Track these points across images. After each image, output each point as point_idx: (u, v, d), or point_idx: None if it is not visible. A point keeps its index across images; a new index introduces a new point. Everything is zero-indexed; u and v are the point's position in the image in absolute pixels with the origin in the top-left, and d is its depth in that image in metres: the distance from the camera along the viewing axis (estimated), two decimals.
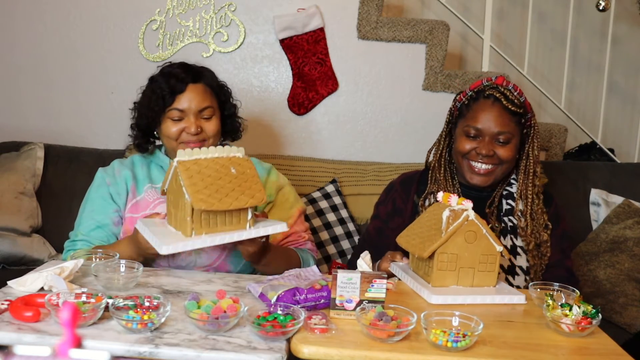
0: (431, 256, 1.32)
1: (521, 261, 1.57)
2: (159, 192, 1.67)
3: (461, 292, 1.32)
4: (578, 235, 2.19)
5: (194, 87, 1.64)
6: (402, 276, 1.42)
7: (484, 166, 1.56)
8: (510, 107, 1.53)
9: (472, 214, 1.31)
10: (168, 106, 1.62)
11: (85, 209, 1.68)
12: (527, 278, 1.57)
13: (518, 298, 1.32)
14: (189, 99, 1.63)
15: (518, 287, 1.56)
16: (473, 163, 1.57)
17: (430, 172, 1.67)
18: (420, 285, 1.34)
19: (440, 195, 1.38)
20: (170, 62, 1.73)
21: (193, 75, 1.66)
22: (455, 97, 1.66)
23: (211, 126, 1.66)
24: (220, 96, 1.71)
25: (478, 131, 1.55)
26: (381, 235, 1.66)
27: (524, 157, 1.62)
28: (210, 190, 1.29)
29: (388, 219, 1.67)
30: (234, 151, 1.39)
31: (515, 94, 1.57)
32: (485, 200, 1.63)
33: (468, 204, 1.32)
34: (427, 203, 1.63)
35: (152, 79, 1.69)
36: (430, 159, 1.70)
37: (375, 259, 1.53)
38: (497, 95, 1.54)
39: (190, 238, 1.30)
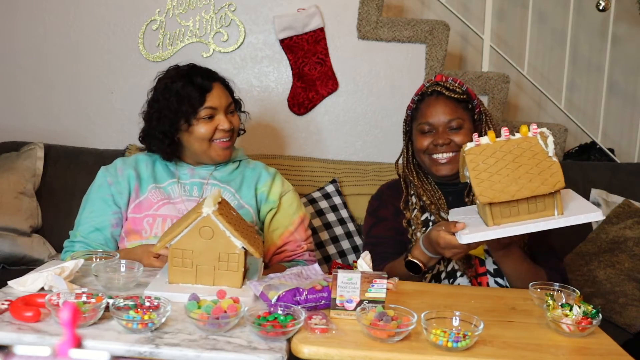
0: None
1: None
2: (163, 192, 1.66)
3: (574, 212, 1.29)
4: (578, 235, 2.19)
5: (217, 85, 1.66)
6: (503, 234, 1.30)
7: (444, 155, 1.63)
8: (452, 95, 1.62)
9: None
10: (200, 106, 1.62)
11: (85, 209, 1.68)
12: None
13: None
14: (219, 96, 1.64)
15: None
16: (434, 156, 1.64)
17: (402, 180, 1.72)
18: (555, 220, 1.28)
19: (476, 137, 1.34)
20: (176, 65, 1.71)
21: (211, 74, 1.68)
22: (407, 108, 1.73)
23: (236, 121, 1.71)
24: (231, 92, 1.74)
25: (430, 125, 1.63)
26: (397, 232, 1.67)
27: None
28: (250, 238, 1.30)
29: (396, 217, 1.68)
30: (217, 193, 1.35)
31: (456, 85, 1.65)
32: (462, 191, 1.67)
33: (536, 127, 1.31)
34: (410, 203, 1.67)
35: (167, 86, 1.65)
36: (400, 168, 1.74)
37: (400, 254, 1.54)
38: (439, 89, 1.64)
39: (242, 289, 1.29)
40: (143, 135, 1.71)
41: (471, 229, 1.34)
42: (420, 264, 1.46)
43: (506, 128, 1.33)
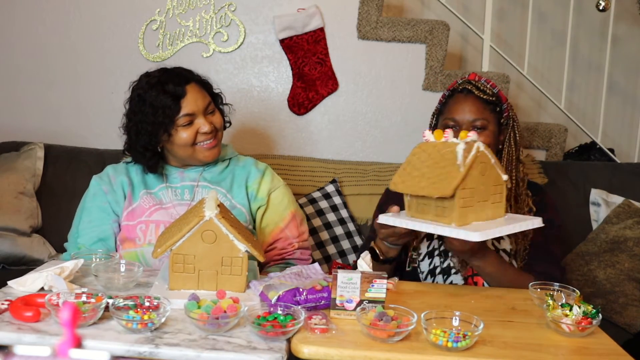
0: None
1: (505, 244, 1.60)
2: (154, 198, 1.64)
3: (486, 226, 1.27)
4: (578, 235, 2.19)
5: (190, 87, 1.60)
6: (402, 224, 1.35)
7: None
8: (482, 96, 1.62)
9: (482, 145, 1.27)
10: (176, 115, 1.56)
11: (82, 219, 1.64)
12: (514, 262, 1.59)
13: (538, 222, 1.34)
14: (194, 100, 1.58)
15: None
16: None
17: None
18: (442, 227, 1.26)
19: (428, 133, 1.36)
20: (147, 72, 1.65)
21: (183, 76, 1.61)
22: (438, 102, 1.74)
23: (218, 119, 1.65)
24: (209, 89, 1.69)
25: (455, 122, 1.63)
26: None
27: (506, 145, 1.67)
28: (251, 240, 1.29)
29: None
30: (215, 195, 1.34)
31: (488, 85, 1.65)
32: None
33: (474, 135, 1.29)
34: None
35: (140, 97, 1.59)
36: None
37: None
38: (469, 87, 1.64)
39: (247, 293, 1.27)
40: (127, 147, 1.67)
41: (395, 216, 1.39)
42: (379, 252, 1.50)
43: (450, 130, 1.34)
